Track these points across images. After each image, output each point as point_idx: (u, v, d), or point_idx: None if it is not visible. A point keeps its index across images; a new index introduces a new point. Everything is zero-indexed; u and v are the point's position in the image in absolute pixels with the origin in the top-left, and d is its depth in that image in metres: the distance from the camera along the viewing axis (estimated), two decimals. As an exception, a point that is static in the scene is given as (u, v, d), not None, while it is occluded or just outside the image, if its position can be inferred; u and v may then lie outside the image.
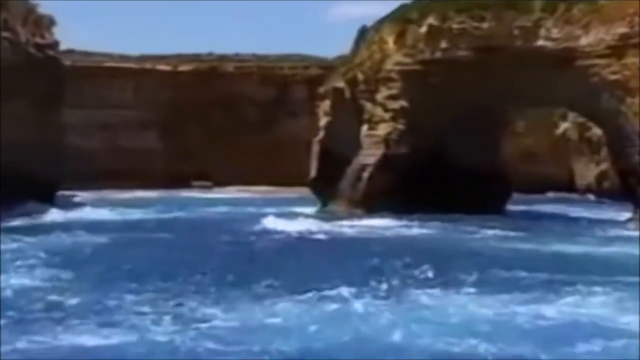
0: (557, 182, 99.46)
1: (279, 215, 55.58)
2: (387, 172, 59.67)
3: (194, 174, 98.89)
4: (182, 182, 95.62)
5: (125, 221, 53.41)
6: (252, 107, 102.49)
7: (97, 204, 71.80)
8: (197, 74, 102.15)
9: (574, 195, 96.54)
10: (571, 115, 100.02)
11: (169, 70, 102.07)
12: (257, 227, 49.04)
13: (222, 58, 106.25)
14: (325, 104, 64.70)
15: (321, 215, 58.26)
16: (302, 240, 42.30)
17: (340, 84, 63.60)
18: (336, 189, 62.87)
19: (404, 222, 51.26)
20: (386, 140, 60.47)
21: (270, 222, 49.77)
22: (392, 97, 60.85)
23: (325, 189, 63.89)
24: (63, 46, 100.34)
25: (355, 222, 52.03)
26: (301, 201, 66.01)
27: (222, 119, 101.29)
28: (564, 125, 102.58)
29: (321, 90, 66.43)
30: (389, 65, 61.35)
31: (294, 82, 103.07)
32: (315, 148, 65.31)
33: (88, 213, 58.96)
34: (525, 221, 54.51)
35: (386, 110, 60.96)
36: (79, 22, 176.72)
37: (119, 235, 43.17)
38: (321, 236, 44.98)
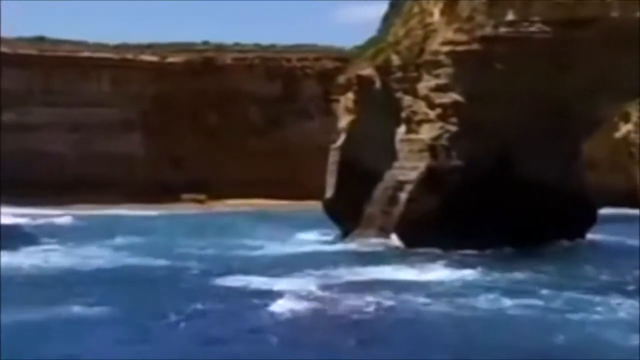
0: (616, 194, 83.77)
1: (280, 263, 38.49)
2: (433, 192, 44.46)
3: (184, 185, 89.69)
4: (170, 195, 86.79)
5: (53, 275, 35.61)
6: (254, 105, 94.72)
7: (48, 231, 55.21)
8: (189, 66, 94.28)
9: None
10: (634, 115, 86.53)
11: (156, 62, 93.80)
12: (242, 288, 31.65)
13: (219, 48, 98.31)
14: (347, 99, 49.74)
15: (342, 255, 41.65)
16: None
17: (368, 70, 48.49)
18: (361, 214, 48.09)
19: (481, 275, 34.20)
20: (432, 148, 45.16)
21: (262, 283, 32.16)
22: (439, 88, 45.56)
23: (347, 212, 49.02)
24: (30, 33, 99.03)
25: (401, 275, 34.72)
26: (314, 223, 54.02)
27: (218, 119, 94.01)
28: (625, 128, 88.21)
29: (341, 80, 51.07)
30: (435, 44, 46.14)
31: (304, 77, 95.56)
32: (333, 157, 50.36)
33: (12, 256, 41.25)
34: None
35: (432, 105, 45.68)
36: (48, 5, 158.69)
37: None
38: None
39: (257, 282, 32.18)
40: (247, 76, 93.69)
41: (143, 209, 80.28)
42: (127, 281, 33.36)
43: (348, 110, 49.80)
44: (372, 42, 52.81)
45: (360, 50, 55.73)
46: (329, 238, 51.44)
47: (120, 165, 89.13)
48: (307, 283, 32.25)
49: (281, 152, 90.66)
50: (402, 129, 46.60)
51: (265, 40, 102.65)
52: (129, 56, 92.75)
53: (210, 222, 64.92)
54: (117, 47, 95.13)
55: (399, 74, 47.05)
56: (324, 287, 31.35)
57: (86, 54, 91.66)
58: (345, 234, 49.88)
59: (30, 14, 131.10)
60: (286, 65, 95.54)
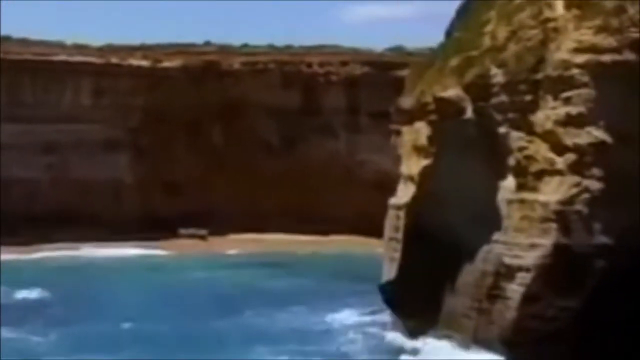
0: None
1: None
2: (567, 288, 29.14)
3: (182, 217, 79.67)
4: (164, 230, 77.80)
5: None
6: (267, 119, 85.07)
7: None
8: (187, 71, 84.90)
9: None
10: None
11: (147, 67, 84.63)
12: None
13: (224, 50, 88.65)
14: (417, 132, 35.45)
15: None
16: None
17: (453, 91, 33.33)
18: (439, 305, 33.61)
19: None
20: (562, 216, 29.50)
21: None
22: (572, 121, 29.85)
23: (416, 301, 34.19)
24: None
25: None
26: (347, 283, 47.02)
27: (223, 137, 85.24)
28: None
29: (405, 103, 35.61)
30: (562, 52, 30.48)
31: (327, 85, 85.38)
32: (395, 220, 35.56)
33: None
34: None
35: (560, 148, 30.06)
36: (20, 1, 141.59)
37: None
38: None
39: None
40: (259, 84, 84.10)
41: (129, 248, 73.02)
42: None
43: (418, 149, 34.35)
44: (448, 46, 36.31)
45: (428, 57, 39.40)
46: (383, 332, 37.57)
47: (103, 194, 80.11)
48: None
49: (299, 176, 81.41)
50: (509, 183, 31.59)
51: (280, 41, 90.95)
52: (115, 60, 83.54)
53: (209, 273, 55.61)
54: (101, 49, 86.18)
55: (503, 97, 31.77)
56: None
57: (62, 57, 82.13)
58: (412, 332, 35.31)
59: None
60: (306, 70, 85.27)
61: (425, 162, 33.63)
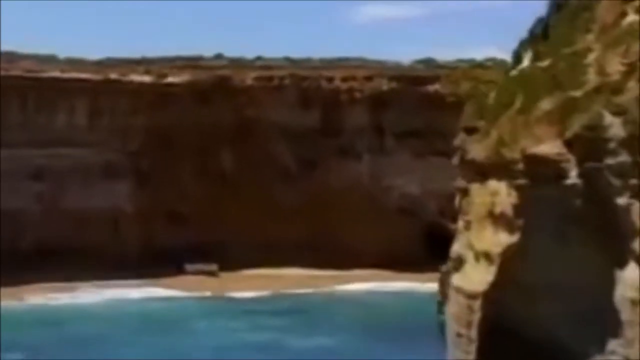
0: None
1: None
2: None
3: (188, 251, 76.29)
4: (168, 265, 75.00)
5: None
6: (283, 141, 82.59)
7: None
8: (195, 88, 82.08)
9: None
10: None
11: (150, 83, 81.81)
12: None
13: (237, 64, 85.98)
14: (493, 195, 26.12)
15: None
16: None
17: (550, 146, 24.32)
18: None
19: None
20: None
21: None
22: None
23: None
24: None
25: None
26: (381, 343, 43.40)
27: (234, 161, 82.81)
28: None
29: (473, 152, 27.29)
30: None
31: (350, 102, 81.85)
32: (464, 311, 26.80)
33: None
34: None
35: None
36: (5, 10, 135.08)
37: None
38: None
39: None
40: (274, 101, 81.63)
41: (133, 286, 70.55)
42: None
43: (496, 218, 26.28)
44: (531, 77, 28.22)
45: (496, 87, 31.31)
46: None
47: (101, 226, 77.37)
48: None
49: (318, 203, 78.86)
50: (633, 275, 22.91)
51: (297, 54, 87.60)
52: (114, 76, 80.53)
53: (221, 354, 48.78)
54: (98, 64, 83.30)
55: (623, 157, 23.35)
56: None
57: (55, 73, 79.30)
58: None
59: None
60: (326, 86, 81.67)
61: (508, 238, 25.37)
